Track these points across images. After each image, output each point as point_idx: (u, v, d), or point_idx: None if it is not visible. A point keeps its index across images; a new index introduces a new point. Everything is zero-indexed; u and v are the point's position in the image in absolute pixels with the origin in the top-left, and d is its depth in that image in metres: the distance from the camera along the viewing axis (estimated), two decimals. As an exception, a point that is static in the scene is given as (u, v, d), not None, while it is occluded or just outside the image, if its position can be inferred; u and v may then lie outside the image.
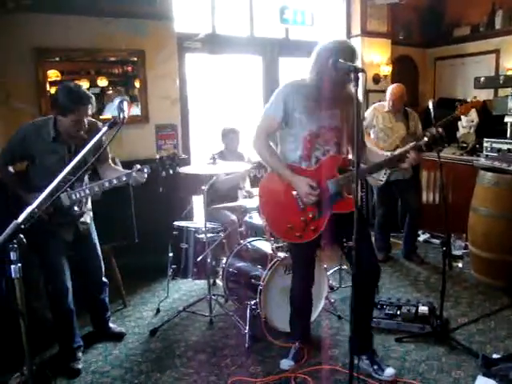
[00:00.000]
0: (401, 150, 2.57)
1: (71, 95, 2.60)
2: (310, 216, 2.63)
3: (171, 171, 2.81)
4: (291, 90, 2.60)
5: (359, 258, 2.13)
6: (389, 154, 2.60)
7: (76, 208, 2.82)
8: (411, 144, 2.52)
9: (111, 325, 3.45)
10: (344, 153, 2.61)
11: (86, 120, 2.69)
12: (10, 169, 2.85)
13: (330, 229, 2.64)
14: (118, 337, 3.39)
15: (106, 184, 2.70)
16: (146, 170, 2.73)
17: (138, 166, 2.71)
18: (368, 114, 4.59)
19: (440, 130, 2.43)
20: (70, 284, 2.95)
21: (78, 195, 2.71)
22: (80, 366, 2.99)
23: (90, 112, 2.69)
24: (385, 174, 4.44)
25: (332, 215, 2.60)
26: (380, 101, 4.86)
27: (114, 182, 2.69)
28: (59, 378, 2.90)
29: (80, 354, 3.09)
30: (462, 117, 5.43)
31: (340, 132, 2.59)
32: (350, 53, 2.43)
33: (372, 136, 4.54)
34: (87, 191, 2.73)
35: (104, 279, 3.30)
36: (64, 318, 2.99)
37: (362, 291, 2.71)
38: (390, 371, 2.78)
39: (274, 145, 2.74)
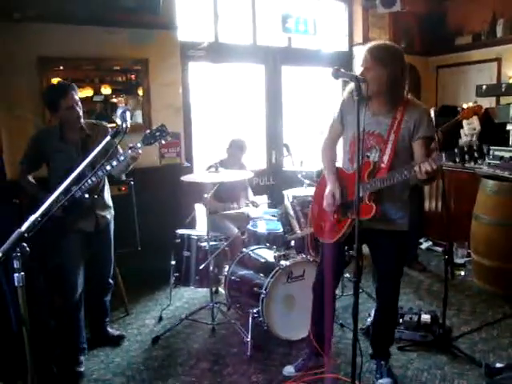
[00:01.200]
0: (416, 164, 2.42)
1: (51, 90, 2.99)
2: (336, 217, 2.71)
3: (163, 141, 2.95)
4: (348, 94, 2.64)
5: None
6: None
7: (87, 195, 2.91)
8: (432, 157, 2.37)
9: (109, 329, 3.47)
10: (384, 161, 2.53)
11: (78, 107, 2.91)
12: (30, 178, 3.07)
13: (369, 240, 2.70)
14: (117, 340, 3.41)
15: (108, 167, 2.83)
16: (139, 145, 2.87)
17: (131, 145, 2.86)
18: None
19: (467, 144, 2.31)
20: (82, 281, 3.05)
21: (86, 184, 2.80)
22: (82, 369, 3.02)
23: (76, 97, 2.90)
24: None
25: (368, 225, 2.55)
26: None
27: (114, 163, 2.83)
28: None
29: (82, 358, 3.11)
30: (464, 125, 5.44)
31: (384, 140, 2.54)
32: (394, 56, 2.52)
33: None
34: (93, 178, 2.85)
35: (110, 281, 3.36)
36: (73, 315, 3.05)
37: (377, 309, 2.89)
38: (383, 381, 2.80)
39: None
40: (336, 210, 2.70)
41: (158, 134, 2.88)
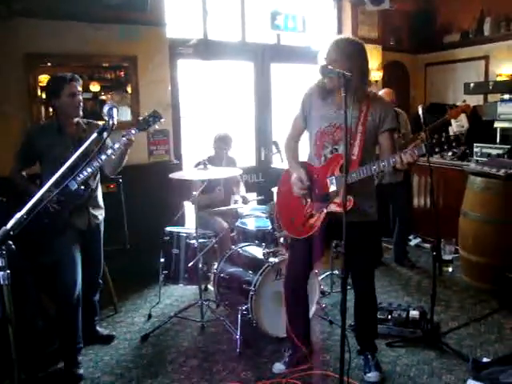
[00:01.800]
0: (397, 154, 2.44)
1: (56, 78, 2.93)
2: (309, 211, 2.70)
3: (157, 126, 3.01)
4: (309, 90, 2.72)
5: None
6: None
7: (82, 187, 2.88)
8: (412, 148, 2.40)
9: (99, 328, 3.44)
10: (354, 154, 2.55)
11: (80, 96, 2.92)
12: (23, 173, 3.03)
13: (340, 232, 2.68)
14: (107, 340, 3.38)
15: (103, 156, 2.82)
16: (133, 132, 2.89)
17: (124, 132, 2.90)
18: None
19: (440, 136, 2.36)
20: (79, 277, 3.00)
21: (81, 176, 2.79)
22: (81, 372, 2.97)
23: (79, 88, 2.92)
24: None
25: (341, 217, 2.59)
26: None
27: (109, 151, 2.83)
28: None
29: (80, 358, 3.07)
30: (453, 122, 5.46)
31: (352, 133, 2.55)
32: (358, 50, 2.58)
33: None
34: (89, 169, 2.80)
35: (100, 281, 3.34)
36: (72, 312, 2.99)
37: (355, 301, 2.91)
38: (371, 375, 2.84)
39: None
40: (309, 204, 2.70)
41: (150, 119, 2.93)
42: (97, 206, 3.13)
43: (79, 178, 2.80)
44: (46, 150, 2.89)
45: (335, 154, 2.61)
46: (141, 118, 2.98)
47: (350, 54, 2.48)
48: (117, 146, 2.85)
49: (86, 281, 3.15)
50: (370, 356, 2.91)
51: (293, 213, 2.79)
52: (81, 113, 2.97)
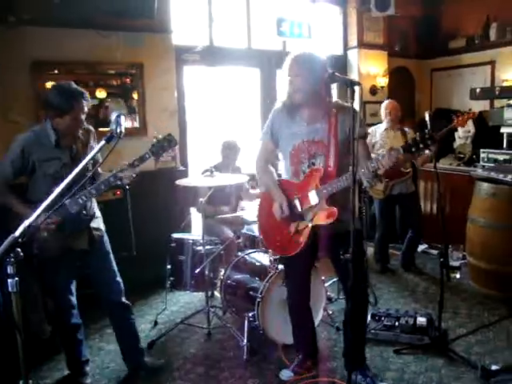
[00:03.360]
0: (376, 157, 2.48)
1: (64, 95, 2.52)
2: (294, 229, 2.68)
3: (171, 151, 2.77)
4: (276, 110, 2.74)
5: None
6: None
7: (84, 212, 2.70)
8: (389, 150, 2.44)
9: (147, 359, 3.09)
10: (331, 165, 2.57)
11: (83, 116, 2.60)
12: (8, 188, 2.60)
13: (324, 243, 2.67)
14: (159, 370, 3.07)
15: (102, 187, 2.58)
16: (136, 163, 2.65)
17: (126, 163, 2.64)
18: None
19: (425, 134, 2.38)
20: (74, 298, 2.86)
21: (83, 199, 2.55)
22: (89, 381, 2.94)
23: (85, 109, 2.60)
24: (386, 186, 4.44)
25: (326, 230, 2.60)
26: (377, 113, 4.89)
27: (111, 179, 2.59)
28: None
29: (88, 369, 3.01)
30: (459, 128, 5.46)
31: (326, 145, 2.58)
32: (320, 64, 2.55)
33: (372, 155, 4.53)
34: (93, 191, 2.57)
35: (124, 300, 2.95)
36: (69, 334, 2.90)
37: (350, 310, 2.76)
38: None
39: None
40: (292, 221, 2.68)
41: (165, 144, 2.70)
42: (94, 217, 2.83)
43: (81, 201, 2.55)
44: (41, 164, 2.57)
45: (313, 169, 2.61)
46: (154, 141, 2.70)
47: (312, 68, 2.48)
48: (120, 174, 2.61)
49: (111, 304, 2.93)
50: (367, 371, 2.85)
51: (277, 232, 2.77)
52: (80, 131, 2.68)
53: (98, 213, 2.88)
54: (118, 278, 2.93)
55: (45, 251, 2.54)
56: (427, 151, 4.16)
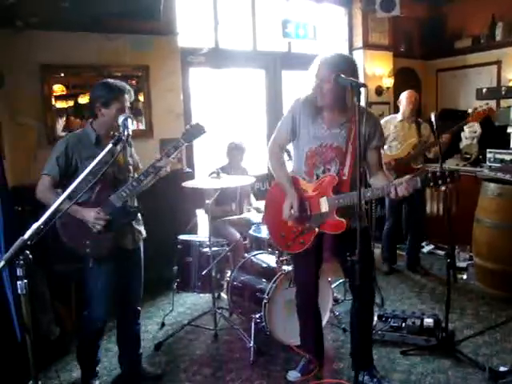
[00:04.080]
0: (396, 182, 2.45)
1: (112, 86, 2.65)
2: (300, 229, 2.68)
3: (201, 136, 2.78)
4: (299, 104, 2.64)
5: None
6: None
7: (129, 204, 2.72)
8: (408, 176, 2.43)
9: (145, 365, 3.12)
10: (345, 174, 2.56)
11: (127, 109, 2.68)
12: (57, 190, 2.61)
13: (331, 243, 2.67)
14: (156, 379, 3.05)
15: (142, 177, 2.64)
16: (171, 151, 2.70)
17: (161, 154, 2.72)
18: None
19: (442, 168, 2.39)
20: (109, 308, 2.82)
21: (126, 191, 2.61)
22: (98, 383, 2.93)
23: (129, 101, 2.71)
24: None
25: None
26: (382, 113, 4.88)
27: (150, 170, 2.66)
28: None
29: (97, 369, 2.99)
30: (465, 128, 5.45)
31: (343, 152, 2.56)
32: (351, 66, 2.46)
33: (385, 146, 4.53)
34: (134, 183, 2.63)
35: (138, 308, 3.01)
36: (94, 341, 2.89)
37: (357, 310, 2.77)
38: None
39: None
40: (300, 222, 2.66)
41: (196, 131, 2.75)
42: (138, 220, 2.87)
43: (124, 194, 2.60)
44: (83, 163, 2.58)
45: (329, 175, 2.58)
46: (186, 128, 2.78)
47: (343, 71, 2.35)
48: (158, 164, 2.67)
49: (126, 308, 2.96)
50: (374, 371, 2.85)
51: (283, 228, 2.75)
52: None
53: (139, 216, 2.90)
54: (142, 287, 2.96)
55: (97, 249, 2.59)
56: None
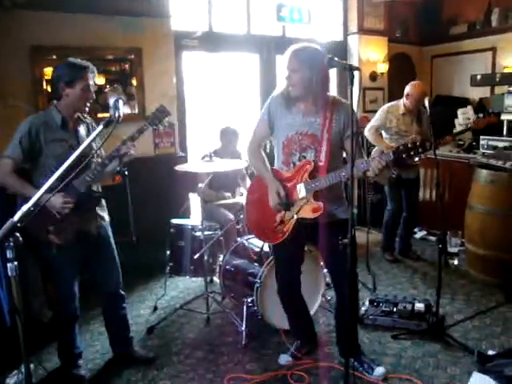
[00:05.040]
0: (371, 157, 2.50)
1: (75, 64, 2.58)
2: (279, 218, 2.69)
3: (163, 126, 2.78)
4: (274, 98, 2.70)
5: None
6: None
7: (94, 189, 2.72)
8: (380, 154, 2.46)
9: (137, 349, 3.13)
10: (322, 160, 2.58)
11: (92, 88, 2.63)
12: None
13: (309, 232, 2.68)
14: (147, 362, 3.05)
15: (106, 161, 2.60)
16: (136, 136, 2.67)
17: (125, 137, 2.67)
18: (380, 115, 4.48)
19: (416, 140, 2.41)
20: (77, 289, 2.83)
21: (90, 176, 2.56)
22: (83, 373, 2.90)
23: (93, 80, 2.64)
24: (394, 170, 4.40)
25: (313, 221, 2.61)
26: (376, 99, 4.84)
27: (114, 153, 2.61)
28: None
29: (81, 362, 2.97)
30: (459, 114, 5.45)
31: (318, 139, 2.58)
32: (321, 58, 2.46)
33: (385, 135, 4.50)
34: (98, 167, 2.58)
35: (121, 291, 3.00)
36: (67, 324, 2.87)
37: (342, 298, 2.77)
38: (379, 370, 2.81)
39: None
40: (284, 210, 2.67)
41: (160, 114, 2.72)
42: (102, 206, 2.86)
43: (88, 179, 2.56)
44: (48, 146, 2.56)
45: (304, 161, 2.61)
46: (151, 113, 2.73)
47: (311, 63, 2.45)
48: (122, 149, 2.63)
49: (107, 294, 2.96)
50: (362, 357, 2.88)
51: (264, 220, 2.77)
52: (87, 109, 2.69)
53: (103, 202, 2.88)
54: (118, 268, 2.94)
55: (60, 236, 2.54)
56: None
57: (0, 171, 2.53)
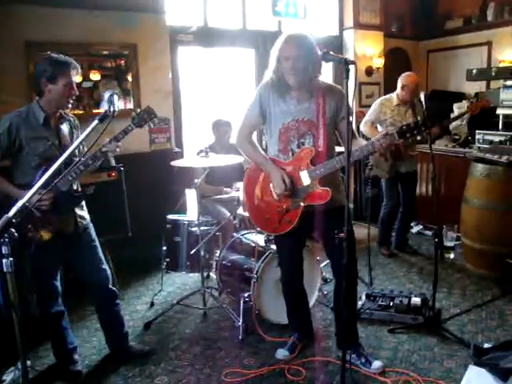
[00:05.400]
0: (371, 141, 2.51)
1: (58, 60, 2.55)
2: (284, 207, 2.67)
3: (152, 125, 2.83)
4: (265, 87, 2.68)
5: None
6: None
7: (75, 188, 2.68)
8: (382, 132, 2.50)
9: (132, 344, 3.13)
10: (320, 146, 2.58)
11: (75, 85, 2.58)
12: None
13: (314, 222, 2.66)
14: (143, 357, 3.05)
15: (90, 161, 2.55)
16: (120, 136, 2.63)
17: (110, 137, 2.61)
18: (374, 109, 4.50)
19: (416, 119, 2.46)
20: (59, 285, 2.82)
21: (72, 175, 2.52)
22: (80, 368, 2.90)
23: (78, 78, 2.64)
24: (391, 165, 4.40)
25: (315, 209, 2.61)
26: (372, 94, 4.82)
27: (98, 154, 2.56)
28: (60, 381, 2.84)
29: (76, 357, 2.96)
30: (455, 108, 5.45)
31: (315, 125, 2.58)
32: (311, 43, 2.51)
33: (380, 129, 4.48)
34: (81, 167, 2.53)
35: (111, 287, 2.94)
36: (53, 322, 2.85)
37: (341, 290, 2.72)
38: (377, 364, 2.81)
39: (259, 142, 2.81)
40: (288, 197, 2.65)
41: (145, 115, 2.69)
42: (81, 206, 2.80)
43: (70, 178, 2.52)
44: (29, 144, 2.52)
45: (304, 148, 2.61)
46: (134, 115, 2.70)
47: (310, 50, 2.46)
48: (104, 149, 2.58)
49: (97, 292, 2.94)
50: (361, 349, 2.89)
51: (266, 211, 2.76)
52: (70, 106, 2.66)
53: (83, 203, 2.83)
54: (105, 266, 2.90)
55: (40, 232, 2.52)
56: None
57: None
